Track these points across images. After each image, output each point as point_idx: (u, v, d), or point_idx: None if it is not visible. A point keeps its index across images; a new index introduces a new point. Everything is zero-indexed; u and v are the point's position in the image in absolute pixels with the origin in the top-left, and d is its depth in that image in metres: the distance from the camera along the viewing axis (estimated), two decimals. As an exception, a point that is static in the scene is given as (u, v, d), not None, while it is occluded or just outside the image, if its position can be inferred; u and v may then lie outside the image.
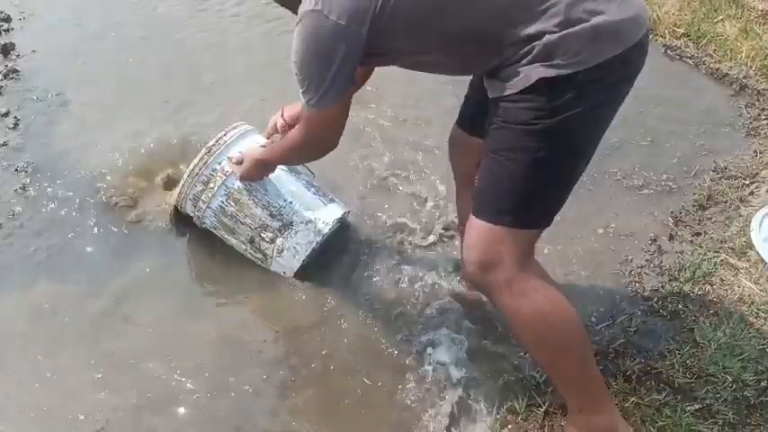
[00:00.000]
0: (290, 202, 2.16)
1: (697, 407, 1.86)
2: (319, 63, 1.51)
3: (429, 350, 2.03)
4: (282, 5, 1.67)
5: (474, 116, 1.82)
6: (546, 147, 1.45)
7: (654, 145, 2.88)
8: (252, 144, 2.18)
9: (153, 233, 2.33)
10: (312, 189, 2.24)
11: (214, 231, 2.23)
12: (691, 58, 3.47)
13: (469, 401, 1.92)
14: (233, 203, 2.14)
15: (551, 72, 1.39)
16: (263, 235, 2.15)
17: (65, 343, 2.00)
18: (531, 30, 1.40)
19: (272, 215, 2.14)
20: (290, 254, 2.15)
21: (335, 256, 2.31)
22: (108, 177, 2.48)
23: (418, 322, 2.12)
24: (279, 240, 2.14)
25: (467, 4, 1.42)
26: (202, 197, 2.15)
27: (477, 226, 1.55)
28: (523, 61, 1.42)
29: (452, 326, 2.10)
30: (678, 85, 3.29)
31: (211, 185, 2.13)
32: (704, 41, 3.51)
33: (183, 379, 1.92)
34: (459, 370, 1.98)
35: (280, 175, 2.19)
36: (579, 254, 2.36)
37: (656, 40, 3.57)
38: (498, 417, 1.88)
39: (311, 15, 1.46)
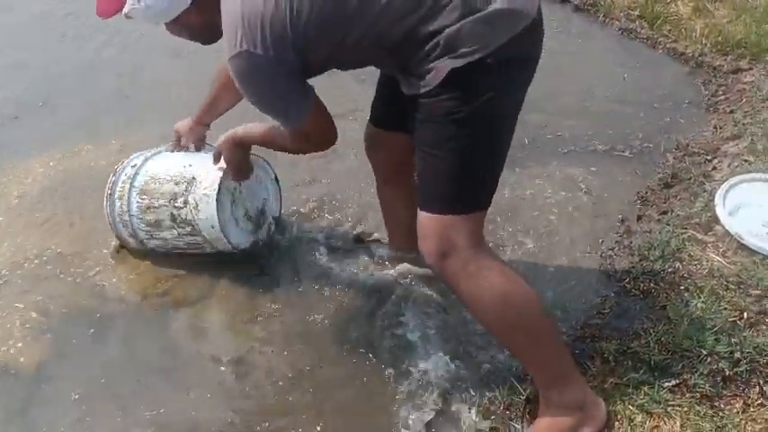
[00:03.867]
0: (190, 165, 2.21)
1: (674, 382, 1.88)
2: (271, 93, 1.60)
3: (408, 346, 2.04)
4: (194, 40, 1.79)
5: (387, 114, 1.95)
6: (474, 131, 1.54)
7: (616, 126, 2.92)
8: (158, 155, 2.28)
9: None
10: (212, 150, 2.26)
11: (150, 242, 2.26)
12: (647, 40, 3.53)
13: (451, 394, 1.92)
14: (145, 196, 2.20)
15: (459, 62, 1.46)
16: (177, 204, 2.17)
17: None
18: (433, 26, 1.47)
19: (176, 183, 2.18)
20: (204, 203, 2.14)
21: (300, 259, 2.33)
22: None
23: (393, 319, 2.13)
24: (190, 198, 2.15)
25: (365, 14, 1.50)
26: (124, 209, 2.21)
27: (427, 218, 1.61)
28: (432, 56, 1.49)
29: (430, 321, 2.12)
30: (636, 67, 3.35)
31: (124, 195, 2.21)
32: (659, 22, 3.57)
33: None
34: (439, 364, 1.99)
35: (171, 153, 2.29)
36: (551, 240, 2.39)
37: (612, 24, 3.64)
38: (481, 408, 1.89)
39: (240, 57, 1.53)
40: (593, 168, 2.71)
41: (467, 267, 1.60)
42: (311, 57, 1.57)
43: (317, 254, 2.36)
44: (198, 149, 2.28)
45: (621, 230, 2.42)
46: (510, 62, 1.51)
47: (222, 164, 2.10)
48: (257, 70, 1.55)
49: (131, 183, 2.21)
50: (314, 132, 1.71)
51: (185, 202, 2.15)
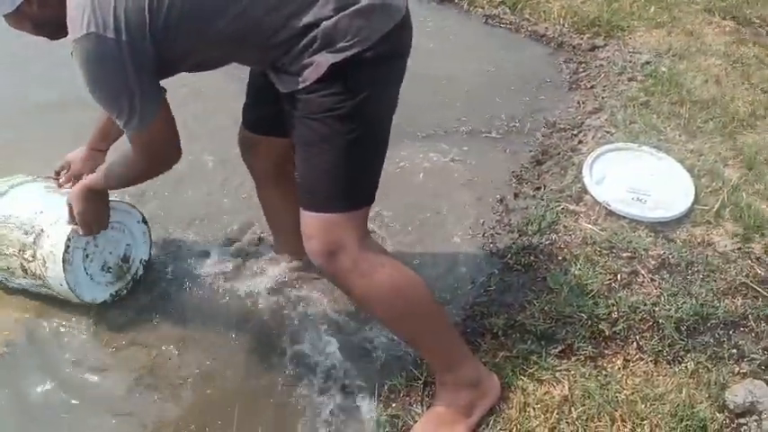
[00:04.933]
0: (41, 212, 2.01)
1: (560, 348, 1.97)
2: (116, 85, 1.48)
3: (302, 346, 2.04)
4: (38, 34, 1.63)
5: (261, 117, 1.90)
6: (356, 126, 1.52)
7: (485, 110, 3.02)
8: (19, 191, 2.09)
9: None
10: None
11: (9, 284, 2.12)
12: (510, 24, 3.67)
13: (351, 388, 1.93)
14: None
15: (339, 57, 1.45)
16: (26, 257, 2.00)
17: None
18: (308, 19, 1.45)
19: (26, 233, 1.99)
20: (51, 262, 1.97)
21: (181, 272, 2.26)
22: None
23: (286, 321, 2.11)
24: (38, 253, 1.98)
25: (236, 3, 1.44)
26: None
27: (311, 218, 1.58)
28: (309, 51, 1.46)
29: (321, 320, 2.11)
30: (501, 51, 3.47)
31: None
32: (520, 6, 3.72)
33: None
34: (335, 361, 1.99)
35: (31, 188, 2.10)
36: (434, 225, 2.45)
37: (477, 12, 3.74)
38: (381, 397, 1.91)
39: (87, 40, 1.41)
40: (466, 148, 2.80)
41: (358, 266, 1.58)
42: (168, 52, 1.49)
43: (203, 259, 2.29)
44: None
45: (500, 209, 2.50)
46: (386, 57, 1.52)
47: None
48: (105, 56, 1.43)
49: None
50: (157, 141, 1.62)
51: (33, 256, 1.99)
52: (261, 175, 2.08)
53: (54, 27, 1.53)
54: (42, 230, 1.99)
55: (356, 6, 1.45)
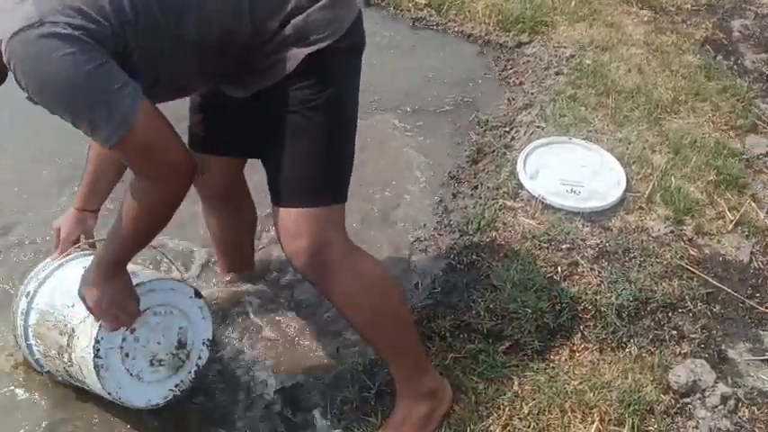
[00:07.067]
0: (71, 306, 1.69)
1: (507, 344, 1.99)
2: (74, 81, 1.21)
3: (253, 362, 2.00)
4: None
5: (211, 136, 1.81)
6: (333, 115, 1.50)
7: (417, 112, 3.03)
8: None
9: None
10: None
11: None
12: (437, 26, 3.70)
13: (302, 402, 1.91)
14: (40, 341, 1.75)
15: (314, 48, 1.42)
16: (65, 360, 1.71)
17: None
18: (278, 20, 1.40)
19: (61, 332, 1.70)
20: (86, 367, 1.66)
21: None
22: None
23: (235, 338, 2.08)
24: (73, 357, 1.67)
25: (206, 5, 1.35)
26: (26, 352, 1.81)
27: (295, 215, 1.50)
28: (282, 47, 1.43)
29: (271, 334, 2.09)
30: (430, 53, 3.49)
31: (24, 334, 1.77)
32: (445, 8, 3.75)
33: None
34: (285, 374, 1.97)
35: (68, 270, 1.78)
36: (377, 229, 2.44)
37: (403, 15, 3.76)
38: (334, 410, 1.88)
39: (30, 31, 1.17)
40: (405, 148, 2.81)
41: (345, 263, 1.54)
42: (135, 54, 1.29)
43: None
44: (93, 245, 1.83)
45: (440, 210, 2.52)
46: (353, 50, 1.53)
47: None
48: (55, 46, 1.17)
49: (25, 320, 1.76)
50: (154, 137, 1.33)
51: (71, 361, 1.70)
52: (211, 194, 1.99)
53: None
54: (73, 330, 1.68)
55: (323, 1, 1.43)
